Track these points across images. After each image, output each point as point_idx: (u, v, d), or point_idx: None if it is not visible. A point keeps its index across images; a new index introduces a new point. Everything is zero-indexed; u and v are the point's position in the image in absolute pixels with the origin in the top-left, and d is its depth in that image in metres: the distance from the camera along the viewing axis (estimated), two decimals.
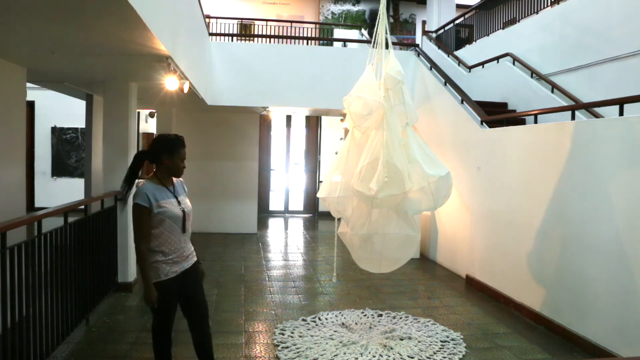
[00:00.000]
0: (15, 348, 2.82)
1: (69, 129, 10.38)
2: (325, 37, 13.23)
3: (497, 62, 7.69)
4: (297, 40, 9.75)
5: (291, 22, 12.08)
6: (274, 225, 10.30)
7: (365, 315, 4.61)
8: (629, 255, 3.52)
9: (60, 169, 10.40)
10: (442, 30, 10.33)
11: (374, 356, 3.71)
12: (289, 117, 11.62)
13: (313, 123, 11.72)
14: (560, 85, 6.45)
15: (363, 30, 11.60)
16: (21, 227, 3.10)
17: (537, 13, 7.56)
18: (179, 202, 2.79)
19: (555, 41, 6.83)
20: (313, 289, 5.63)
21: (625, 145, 3.62)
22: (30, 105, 9.87)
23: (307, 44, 10.81)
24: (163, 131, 8.34)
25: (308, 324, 4.36)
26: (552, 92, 6.51)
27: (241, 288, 5.47)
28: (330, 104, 7.85)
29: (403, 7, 14.96)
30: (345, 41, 9.31)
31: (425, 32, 10.39)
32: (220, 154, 8.87)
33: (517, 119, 6.07)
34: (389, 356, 3.71)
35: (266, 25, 11.80)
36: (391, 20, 14.64)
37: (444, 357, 3.73)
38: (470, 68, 8.27)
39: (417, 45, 8.76)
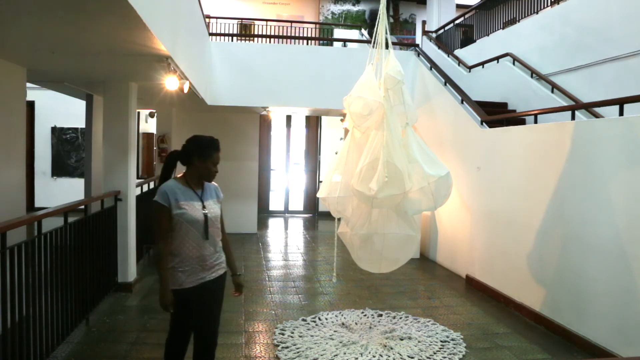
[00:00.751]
0: (15, 348, 2.82)
1: (69, 129, 10.38)
2: (325, 37, 13.23)
3: (497, 62, 7.69)
4: (297, 40, 9.75)
5: (291, 22, 12.09)
6: (274, 225, 10.30)
7: (365, 315, 4.61)
8: (629, 255, 3.52)
9: (60, 169, 10.40)
10: (442, 30, 10.33)
11: (374, 356, 3.71)
12: (289, 117, 11.61)
13: (313, 123, 11.71)
14: (560, 85, 6.45)
15: (363, 30, 11.60)
16: (21, 227, 3.10)
17: (537, 13, 7.56)
18: (203, 206, 2.62)
19: (555, 41, 6.83)
20: (313, 289, 5.63)
21: (625, 145, 3.62)
22: (30, 105, 9.87)
23: (307, 44, 10.81)
24: (163, 131, 8.35)
25: (308, 324, 4.36)
26: (552, 92, 6.51)
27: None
28: (330, 104, 7.85)
29: (403, 7, 14.96)
30: (345, 41, 9.31)
31: (425, 32, 10.39)
32: (220, 154, 8.85)
33: (517, 119, 6.07)
34: (389, 356, 3.71)
35: (266, 25, 11.80)
36: (391, 20, 14.64)
37: (444, 357, 3.73)
38: (470, 68, 8.27)
39: (417, 45, 8.76)
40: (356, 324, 4.37)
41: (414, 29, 14.24)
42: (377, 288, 5.59)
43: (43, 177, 10.34)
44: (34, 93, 9.11)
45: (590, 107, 5.27)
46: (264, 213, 11.18)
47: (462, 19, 9.92)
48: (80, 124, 8.77)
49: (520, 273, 4.79)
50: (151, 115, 10.60)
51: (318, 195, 4.25)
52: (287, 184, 11.74)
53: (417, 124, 5.33)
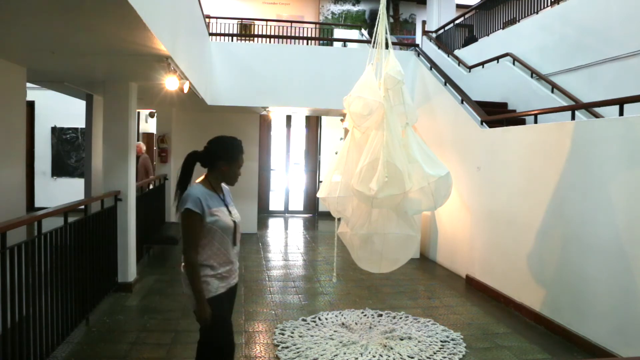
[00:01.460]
0: (15, 348, 2.82)
1: (69, 129, 10.38)
2: (325, 37, 13.23)
3: (497, 62, 7.69)
4: (297, 40, 9.75)
5: (291, 22, 12.09)
6: (274, 225, 10.30)
7: (365, 315, 4.61)
8: (629, 255, 3.52)
9: (60, 169, 10.40)
10: (442, 30, 10.33)
11: (374, 356, 3.71)
12: (289, 117, 11.61)
13: (313, 123, 11.71)
14: (560, 85, 6.46)
15: (363, 30, 11.60)
16: (21, 227, 3.10)
17: (537, 13, 7.57)
18: (229, 212, 2.55)
19: (555, 41, 6.83)
20: (313, 289, 5.63)
21: (625, 145, 3.62)
22: (30, 105, 9.86)
23: (307, 44, 10.81)
24: (163, 131, 8.35)
25: (308, 324, 4.36)
26: (552, 92, 6.51)
27: (241, 288, 5.47)
28: (330, 104, 7.85)
29: (403, 7, 14.96)
30: (345, 41, 9.31)
31: (425, 32, 10.39)
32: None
33: (517, 119, 6.07)
34: (389, 356, 3.71)
35: (266, 25, 11.80)
36: (391, 20, 14.64)
37: (444, 357, 3.73)
38: (470, 68, 8.27)
39: (417, 45, 8.76)
40: (356, 324, 4.37)
41: (414, 29, 14.24)
42: (377, 288, 5.59)
43: (43, 177, 10.34)
44: (34, 93, 9.10)
45: (590, 107, 5.27)
46: (264, 213, 11.18)
47: (462, 19, 9.93)
48: (80, 124, 8.77)
49: (520, 273, 4.79)
50: (151, 115, 10.60)
51: (318, 195, 4.25)
52: (287, 184, 11.74)
53: (417, 124, 5.33)
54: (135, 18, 2.64)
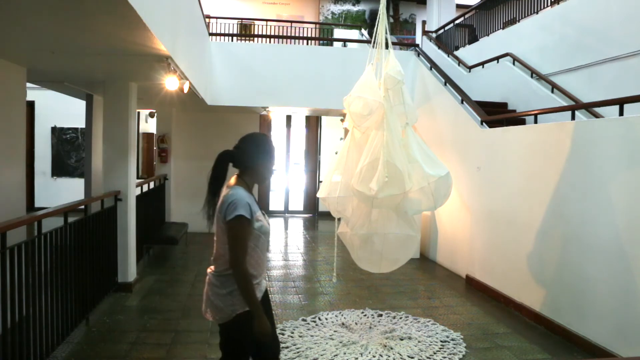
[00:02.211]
0: (15, 348, 2.82)
1: (69, 129, 10.38)
2: (325, 37, 13.22)
3: (497, 62, 7.69)
4: (297, 40, 9.75)
5: (291, 22, 12.09)
6: (274, 225, 10.29)
7: (365, 315, 4.61)
8: (629, 255, 3.52)
9: (60, 169, 10.40)
10: (442, 30, 10.33)
11: (374, 356, 3.71)
12: (289, 117, 11.61)
13: (313, 123, 11.71)
14: (560, 85, 6.45)
15: (363, 30, 11.60)
16: (21, 227, 3.10)
17: (537, 13, 7.56)
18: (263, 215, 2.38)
19: (555, 41, 6.83)
20: (313, 289, 5.63)
21: (625, 145, 3.62)
22: (30, 105, 9.87)
23: (307, 44, 10.80)
24: (163, 131, 8.35)
25: (308, 324, 4.36)
26: (552, 92, 6.51)
27: None
28: (330, 104, 7.85)
29: (403, 7, 14.96)
30: (345, 41, 9.31)
31: (425, 32, 10.39)
32: None
33: (517, 119, 6.07)
34: (389, 356, 3.71)
35: (266, 25, 11.80)
36: (391, 20, 14.64)
37: (444, 357, 3.73)
38: (470, 68, 8.27)
39: (417, 45, 8.77)
40: (356, 324, 4.37)
41: (414, 29, 14.23)
42: (377, 288, 5.59)
43: (43, 177, 10.34)
44: (34, 93, 9.10)
45: (590, 107, 5.27)
46: None
47: (462, 19, 9.92)
48: (80, 124, 8.77)
49: (520, 273, 4.79)
50: (151, 115, 10.61)
51: (318, 195, 4.25)
52: (287, 184, 11.74)
53: (417, 124, 5.33)
54: (135, 18, 2.64)
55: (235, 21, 11.83)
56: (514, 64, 7.39)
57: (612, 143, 3.74)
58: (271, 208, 11.62)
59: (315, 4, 14.64)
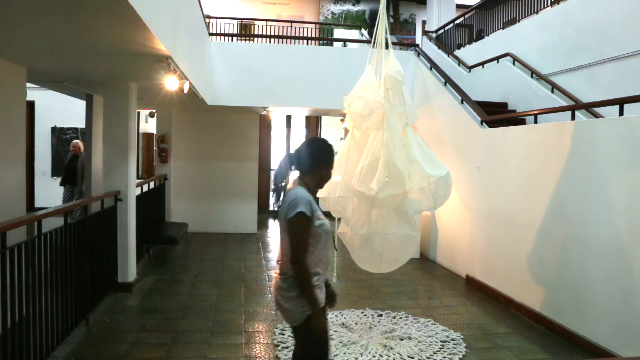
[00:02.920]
0: (15, 348, 2.82)
1: (69, 129, 10.38)
2: (325, 37, 13.22)
3: (497, 62, 7.69)
4: (297, 40, 9.75)
5: (291, 22, 12.08)
6: (274, 225, 10.29)
7: (365, 315, 4.61)
8: (629, 255, 3.52)
9: (60, 169, 10.35)
10: (442, 30, 10.33)
11: (374, 356, 3.71)
12: (289, 117, 11.61)
13: (313, 123, 11.72)
14: (560, 85, 6.45)
15: (363, 30, 11.60)
16: (21, 227, 3.10)
17: (537, 13, 7.56)
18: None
19: (555, 41, 6.83)
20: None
21: (625, 145, 3.62)
22: (30, 105, 9.86)
23: (307, 44, 10.80)
24: (163, 131, 8.35)
25: None
26: (552, 92, 6.51)
27: (241, 288, 5.47)
28: (330, 104, 7.85)
29: (403, 7, 14.96)
30: (345, 41, 9.30)
31: (425, 32, 10.39)
32: (220, 154, 8.87)
33: (517, 119, 6.07)
34: (389, 356, 3.71)
35: (266, 25, 11.80)
36: (391, 20, 14.64)
37: (444, 357, 3.73)
38: (470, 68, 8.27)
39: (417, 45, 8.76)
40: (356, 324, 4.37)
41: (414, 29, 14.23)
42: (377, 288, 5.59)
43: (43, 177, 10.34)
44: (34, 93, 9.10)
45: (590, 107, 5.27)
46: (264, 213, 11.17)
47: (462, 19, 9.92)
48: (80, 124, 8.77)
49: (520, 273, 4.79)
50: (151, 115, 10.60)
51: (318, 195, 4.24)
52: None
53: (417, 124, 5.33)
54: (135, 18, 2.64)
55: (235, 21, 11.83)
56: (514, 64, 7.39)
57: (612, 143, 3.74)
58: (271, 208, 11.62)
59: (315, 4, 14.64)
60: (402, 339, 4.02)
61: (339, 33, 13.80)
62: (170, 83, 4.40)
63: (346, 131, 4.32)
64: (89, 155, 6.55)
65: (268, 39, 9.39)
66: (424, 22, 11.00)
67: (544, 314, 4.43)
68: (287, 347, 3.80)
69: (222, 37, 9.13)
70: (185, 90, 4.85)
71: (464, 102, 6.32)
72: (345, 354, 3.71)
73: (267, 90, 7.71)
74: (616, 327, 3.62)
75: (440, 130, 6.99)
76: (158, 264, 6.47)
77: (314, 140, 2.51)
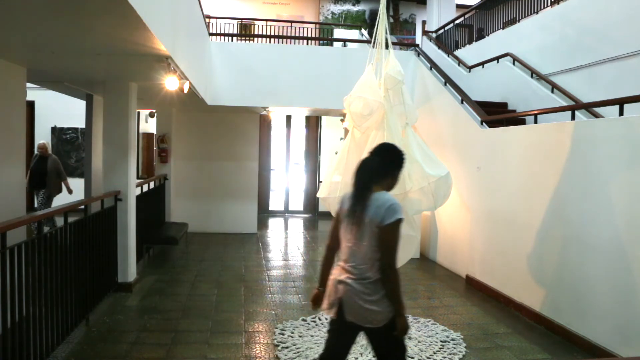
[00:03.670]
0: (15, 348, 2.82)
1: (69, 129, 10.38)
2: (325, 37, 13.22)
3: (497, 62, 7.69)
4: (297, 40, 9.75)
5: (291, 22, 12.08)
6: (274, 225, 10.30)
7: None
8: (629, 255, 3.52)
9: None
10: (442, 30, 10.33)
11: (374, 356, 3.70)
12: (289, 117, 11.61)
13: (313, 123, 11.71)
14: (560, 85, 6.45)
15: (363, 30, 11.60)
16: (21, 227, 3.10)
17: (537, 13, 7.56)
18: None
19: (555, 41, 6.83)
20: (313, 289, 5.60)
21: (625, 145, 3.62)
22: (30, 105, 9.86)
23: (307, 44, 10.80)
24: (163, 131, 8.35)
25: (308, 324, 4.36)
26: (552, 92, 6.51)
27: (241, 288, 5.47)
28: (330, 104, 7.85)
29: (403, 7, 14.96)
30: (345, 41, 9.30)
31: (425, 32, 10.39)
32: (220, 154, 8.87)
33: (517, 119, 6.07)
34: None
35: (266, 25, 11.80)
36: (391, 20, 14.64)
37: (444, 357, 3.73)
38: (470, 68, 8.27)
39: (417, 45, 8.77)
40: None
41: (414, 29, 14.23)
42: None
43: None
44: (34, 93, 9.10)
45: (590, 107, 5.27)
46: (264, 213, 11.18)
47: (462, 19, 9.93)
48: (80, 124, 8.77)
49: (520, 273, 4.79)
50: (151, 115, 10.60)
51: (318, 195, 4.25)
52: (287, 184, 11.74)
53: (417, 124, 5.33)
54: (135, 18, 2.64)
55: (235, 21, 11.83)
56: (514, 64, 7.39)
57: (612, 143, 3.74)
58: (271, 208, 11.62)
59: (315, 4, 14.64)
60: None
61: (339, 33, 13.80)
62: (170, 83, 4.40)
63: (346, 131, 4.32)
64: (88, 155, 6.55)
65: (268, 39, 9.39)
66: (424, 22, 11.00)
67: (544, 314, 4.43)
68: (287, 347, 3.80)
69: (222, 37, 9.13)
70: (185, 90, 4.85)
71: (464, 102, 6.32)
72: None
73: (267, 90, 7.71)
74: (616, 327, 3.62)
75: (440, 130, 6.99)
76: (158, 264, 6.47)
77: (389, 146, 2.61)
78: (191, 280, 5.71)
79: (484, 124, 5.78)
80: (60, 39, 3.42)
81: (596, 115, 5.34)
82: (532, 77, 7.02)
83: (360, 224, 2.32)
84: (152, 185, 7.10)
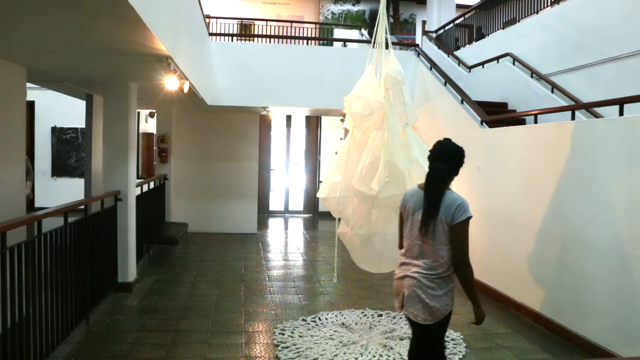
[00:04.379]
0: (15, 348, 2.82)
1: (69, 129, 10.38)
2: (325, 37, 13.23)
3: (497, 62, 7.69)
4: (297, 40, 9.75)
5: (291, 22, 12.09)
6: (274, 225, 10.30)
7: (365, 315, 4.61)
8: (629, 255, 3.52)
9: (60, 169, 10.40)
10: (442, 30, 10.33)
11: (374, 356, 3.71)
12: (289, 117, 11.61)
13: (313, 123, 11.71)
14: (560, 85, 6.45)
15: (363, 30, 11.60)
16: (21, 227, 3.10)
17: (537, 13, 7.56)
18: None
19: (555, 41, 6.83)
20: (313, 289, 5.63)
21: (625, 145, 3.62)
22: (30, 105, 9.86)
23: (307, 44, 10.81)
24: (163, 131, 8.35)
25: (308, 324, 4.36)
26: (552, 92, 6.51)
27: (241, 288, 5.47)
28: (330, 104, 7.85)
29: (403, 7, 14.96)
30: (345, 41, 9.31)
31: (425, 32, 10.39)
32: (220, 154, 8.88)
33: (517, 119, 6.07)
34: (389, 356, 3.71)
35: (266, 25, 11.80)
36: (391, 20, 14.64)
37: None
38: (470, 68, 8.27)
39: (417, 45, 8.77)
40: (356, 324, 4.37)
41: (414, 29, 14.24)
42: (377, 288, 5.59)
43: (43, 177, 10.33)
44: (34, 93, 9.11)
45: (590, 107, 5.27)
46: (264, 213, 11.18)
47: (462, 19, 9.93)
48: (80, 124, 8.78)
49: (520, 273, 4.79)
50: (151, 115, 10.60)
51: (318, 195, 4.25)
52: (287, 184, 11.74)
53: (417, 124, 5.33)
54: (135, 18, 2.65)
55: (235, 21, 11.83)
56: (514, 64, 7.39)
57: (612, 143, 3.74)
58: (271, 208, 11.63)
59: (315, 4, 14.64)
60: (402, 339, 4.02)
61: (339, 33, 13.80)
62: (170, 83, 4.40)
63: (346, 131, 4.32)
64: (88, 155, 6.55)
65: (268, 39, 9.40)
66: (424, 22, 11.01)
67: (544, 314, 4.43)
68: (287, 347, 3.80)
69: (222, 37, 9.13)
70: (185, 90, 4.85)
71: (464, 102, 6.32)
72: (345, 354, 3.71)
73: (267, 90, 7.71)
74: (616, 327, 3.62)
75: (440, 130, 6.98)
76: (158, 264, 6.47)
77: (452, 151, 2.69)
78: (191, 280, 5.71)
79: (484, 124, 5.78)
80: (60, 39, 3.42)
81: (596, 115, 5.34)
82: (532, 77, 7.01)
83: (434, 223, 2.45)
84: (152, 185, 7.10)
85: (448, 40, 10.11)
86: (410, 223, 2.55)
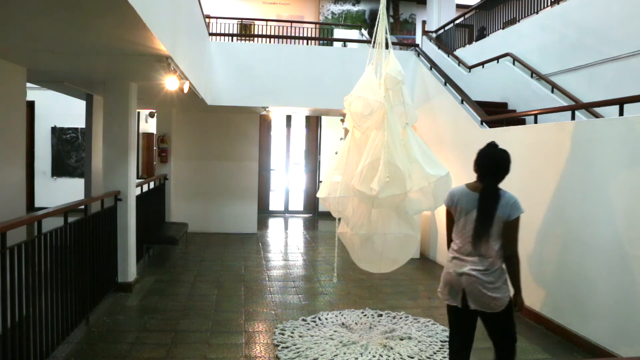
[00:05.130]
0: (15, 348, 2.82)
1: (69, 129, 10.38)
2: (325, 37, 13.23)
3: (497, 62, 7.69)
4: (297, 40, 9.75)
5: (291, 22, 12.09)
6: (274, 225, 10.30)
7: (365, 315, 4.61)
8: (629, 255, 3.52)
9: (60, 169, 10.40)
10: (442, 30, 10.33)
11: (374, 356, 3.71)
12: (289, 117, 11.62)
13: (313, 123, 11.72)
14: (560, 85, 6.45)
15: (363, 30, 11.60)
16: (21, 227, 3.10)
17: (537, 13, 7.56)
18: None
19: (555, 41, 6.83)
20: (313, 289, 5.63)
21: (625, 145, 3.62)
22: (30, 105, 9.86)
23: (307, 44, 10.81)
24: (163, 131, 8.35)
25: (308, 324, 4.36)
26: (552, 92, 6.51)
27: (241, 288, 5.48)
28: (330, 104, 7.85)
29: (403, 7, 14.96)
30: (345, 41, 9.31)
31: (425, 32, 10.39)
32: (220, 154, 8.88)
33: (517, 119, 6.07)
34: (389, 356, 3.71)
35: (266, 25, 11.80)
36: (391, 20, 14.64)
37: (444, 357, 3.72)
38: (470, 68, 8.27)
39: (417, 45, 8.76)
40: (356, 324, 4.37)
41: (414, 29, 14.23)
42: (377, 288, 5.59)
43: (43, 177, 10.34)
44: (34, 93, 9.11)
45: (590, 107, 5.27)
46: (264, 213, 11.18)
47: (462, 19, 9.93)
48: (80, 124, 8.78)
49: (521, 273, 4.78)
50: (151, 115, 10.61)
51: (318, 195, 4.25)
52: (287, 184, 11.75)
53: (417, 124, 5.33)
54: (135, 18, 2.64)
55: (235, 21, 11.83)
56: (514, 64, 7.39)
57: (612, 143, 3.74)
58: (271, 208, 11.63)
59: (315, 4, 14.64)
60: (402, 339, 4.02)
61: (339, 33, 13.80)
62: (170, 83, 4.40)
63: (346, 131, 4.32)
64: (88, 155, 6.55)
65: (268, 39, 9.39)
66: (424, 22, 11.01)
67: (544, 314, 4.43)
68: (287, 347, 3.80)
69: (222, 37, 9.13)
70: (185, 90, 4.85)
71: (464, 102, 6.32)
72: (345, 354, 3.71)
73: (267, 90, 7.71)
74: (616, 327, 3.62)
75: (440, 130, 6.99)
76: (158, 264, 6.47)
77: (501, 154, 2.97)
78: (191, 280, 5.71)
79: (484, 124, 5.78)
80: (60, 39, 3.42)
81: (596, 115, 5.34)
82: (532, 77, 7.02)
83: (492, 221, 2.63)
84: (152, 185, 7.10)
85: (448, 40, 10.11)
86: (463, 222, 2.75)
